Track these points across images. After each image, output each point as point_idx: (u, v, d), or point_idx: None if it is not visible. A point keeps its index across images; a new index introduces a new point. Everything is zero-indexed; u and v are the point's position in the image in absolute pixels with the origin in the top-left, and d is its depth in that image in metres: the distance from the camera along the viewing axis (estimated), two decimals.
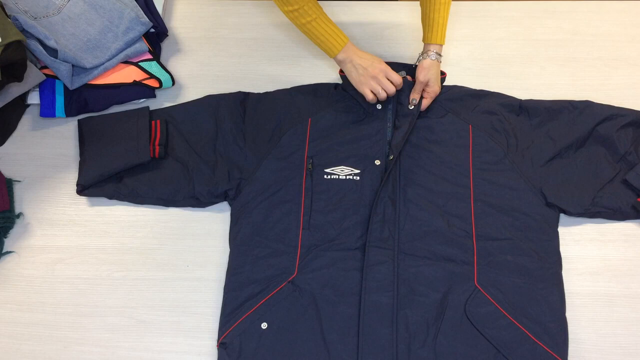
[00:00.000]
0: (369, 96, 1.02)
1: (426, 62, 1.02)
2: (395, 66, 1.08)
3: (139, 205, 1.06)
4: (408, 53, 1.19)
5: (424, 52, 1.03)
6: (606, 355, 0.91)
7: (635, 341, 0.92)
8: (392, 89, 1.02)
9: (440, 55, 1.02)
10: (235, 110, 1.09)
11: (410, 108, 1.03)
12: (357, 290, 0.92)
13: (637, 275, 0.96)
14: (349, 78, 1.04)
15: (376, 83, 1.01)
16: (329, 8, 1.24)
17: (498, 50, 1.19)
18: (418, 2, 1.25)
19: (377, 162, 1.01)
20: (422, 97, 1.04)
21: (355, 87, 1.04)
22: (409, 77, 1.07)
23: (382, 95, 1.02)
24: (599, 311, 0.94)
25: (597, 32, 1.20)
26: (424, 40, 1.03)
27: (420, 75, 1.02)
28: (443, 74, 1.07)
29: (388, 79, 1.02)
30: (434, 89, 1.03)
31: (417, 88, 1.03)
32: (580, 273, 0.97)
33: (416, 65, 1.04)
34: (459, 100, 1.07)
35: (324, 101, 1.08)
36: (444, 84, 1.09)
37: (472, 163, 1.01)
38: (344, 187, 1.00)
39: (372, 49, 1.19)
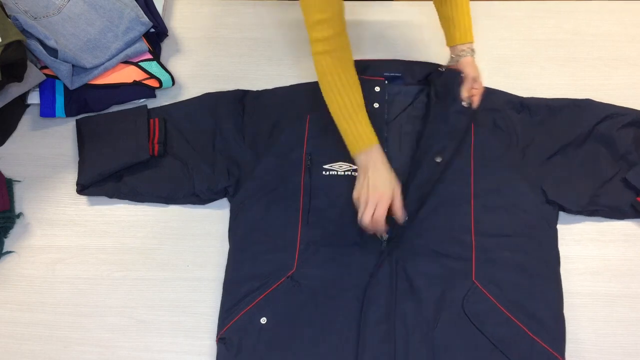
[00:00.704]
0: (361, 215, 0.89)
1: (469, 59, 0.98)
2: (420, 65, 1.07)
3: (140, 205, 1.06)
4: (408, 53, 1.19)
5: (460, 52, 0.98)
6: (606, 355, 0.91)
7: (635, 341, 0.92)
8: (382, 229, 0.89)
9: (474, 51, 0.99)
10: (234, 107, 1.09)
11: (465, 106, 0.98)
12: (355, 285, 0.92)
13: (637, 275, 0.96)
14: (357, 179, 0.92)
15: (375, 212, 0.88)
16: None
17: (498, 50, 1.19)
18: (418, 2, 1.26)
19: None
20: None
21: (354, 195, 0.92)
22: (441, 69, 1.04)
23: (375, 230, 0.91)
24: (599, 311, 0.94)
25: (597, 32, 1.20)
26: (450, 42, 1.00)
27: (470, 71, 0.97)
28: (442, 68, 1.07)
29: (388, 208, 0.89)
30: (481, 85, 1.00)
31: (468, 85, 0.98)
32: (581, 273, 0.97)
33: (444, 68, 1.02)
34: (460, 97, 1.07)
35: (322, 98, 1.08)
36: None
37: (473, 159, 1.01)
38: (343, 183, 1.00)
39: (372, 48, 1.19)
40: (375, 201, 0.87)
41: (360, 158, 0.90)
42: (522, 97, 1.07)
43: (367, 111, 0.94)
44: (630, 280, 0.96)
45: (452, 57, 1.01)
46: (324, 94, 0.91)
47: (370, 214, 0.87)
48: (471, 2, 1.24)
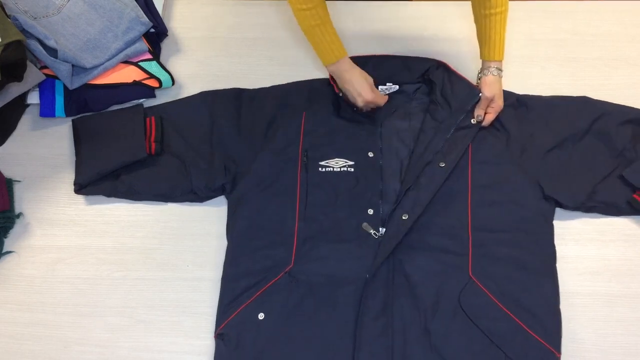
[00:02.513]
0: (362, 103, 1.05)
1: (489, 79, 1.01)
2: (418, 61, 1.09)
3: (139, 205, 1.06)
4: (408, 53, 1.18)
5: (484, 69, 1.02)
6: (606, 355, 0.91)
7: (635, 341, 0.92)
8: (381, 100, 1.06)
9: (500, 70, 1.02)
10: (230, 105, 1.10)
11: (473, 122, 1.02)
12: (353, 280, 0.93)
13: (637, 275, 0.97)
14: (342, 89, 1.06)
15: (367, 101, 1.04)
16: (328, 8, 1.24)
17: None
18: (418, 2, 1.26)
19: (370, 154, 1.02)
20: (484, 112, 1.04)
21: (356, 103, 1.05)
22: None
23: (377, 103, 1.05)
24: (599, 311, 0.94)
25: (597, 32, 1.20)
26: (481, 57, 1.03)
27: (486, 92, 1.01)
28: (442, 64, 1.08)
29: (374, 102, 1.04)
30: (499, 104, 1.03)
31: (483, 104, 1.02)
32: (580, 273, 0.97)
33: (478, 83, 1.05)
34: (455, 96, 1.07)
35: (318, 95, 1.09)
36: None
37: (471, 156, 1.01)
38: (339, 179, 1.01)
39: (372, 49, 1.19)
40: (366, 103, 1.03)
41: (330, 68, 1.03)
42: (518, 94, 1.07)
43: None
44: (630, 280, 0.96)
45: (478, 74, 1.05)
46: (299, 21, 0.99)
47: (366, 99, 1.02)
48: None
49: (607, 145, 1.01)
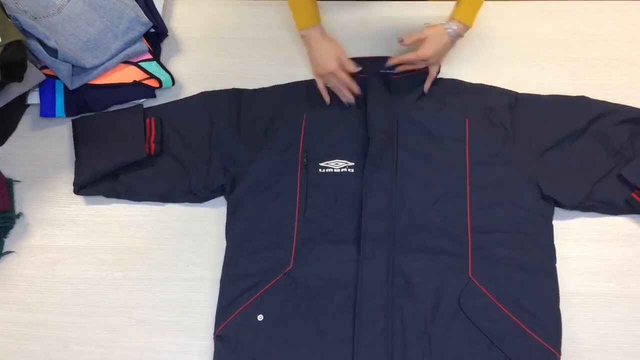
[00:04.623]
0: (324, 93, 1.06)
1: (431, 30, 0.98)
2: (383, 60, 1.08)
3: (139, 205, 1.06)
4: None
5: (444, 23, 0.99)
6: (606, 355, 0.91)
7: (635, 341, 0.92)
8: (341, 92, 1.04)
9: (459, 34, 0.97)
10: (230, 105, 1.10)
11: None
12: (352, 282, 0.92)
13: (637, 275, 0.97)
14: (308, 56, 1.06)
15: (332, 81, 1.04)
16: (329, 8, 1.24)
17: (498, 50, 1.19)
18: (418, 2, 1.26)
19: None
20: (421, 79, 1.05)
21: (313, 71, 1.06)
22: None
23: (349, 96, 1.04)
24: (599, 311, 0.94)
25: (597, 32, 1.20)
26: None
27: (424, 50, 0.98)
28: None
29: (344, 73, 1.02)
30: (430, 62, 1.01)
31: (408, 57, 1.00)
32: (580, 273, 0.97)
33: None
34: (455, 94, 1.07)
35: (318, 96, 1.09)
36: (439, 76, 1.09)
37: (468, 156, 1.01)
38: (339, 180, 1.00)
39: (372, 49, 1.19)
40: (331, 76, 1.02)
41: (302, 32, 1.03)
42: (516, 93, 1.07)
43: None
44: (630, 280, 0.96)
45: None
46: None
47: (343, 83, 1.02)
48: None
49: (605, 145, 1.01)
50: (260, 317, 0.91)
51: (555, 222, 0.99)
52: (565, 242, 0.99)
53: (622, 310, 0.94)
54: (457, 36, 0.99)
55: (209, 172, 1.04)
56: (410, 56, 1.01)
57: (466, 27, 0.99)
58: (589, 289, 0.96)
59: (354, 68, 1.03)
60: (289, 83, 1.13)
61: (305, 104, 1.08)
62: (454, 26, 0.99)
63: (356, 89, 1.04)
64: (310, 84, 1.11)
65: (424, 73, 1.07)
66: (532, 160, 1.00)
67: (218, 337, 0.91)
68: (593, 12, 1.22)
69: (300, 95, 1.10)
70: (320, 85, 1.06)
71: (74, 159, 1.10)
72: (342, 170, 1.01)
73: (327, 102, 1.06)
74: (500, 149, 1.01)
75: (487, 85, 1.09)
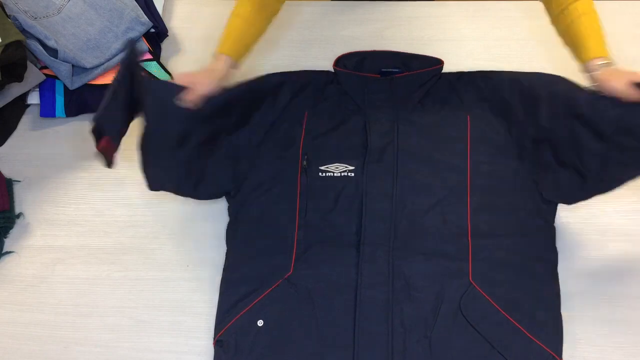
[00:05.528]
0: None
1: (608, 71, 0.85)
2: (420, 60, 1.06)
3: (139, 205, 1.06)
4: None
5: (594, 68, 0.87)
6: (606, 355, 0.91)
7: (635, 341, 0.92)
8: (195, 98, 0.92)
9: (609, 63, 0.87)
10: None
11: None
12: (352, 286, 0.92)
13: (637, 275, 0.97)
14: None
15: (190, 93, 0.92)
16: (329, 8, 1.24)
17: (498, 50, 1.19)
18: (418, 2, 1.26)
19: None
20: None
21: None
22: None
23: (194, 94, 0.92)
24: (599, 311, 0.94)
25: None
26: (580, 60, 0.91)
27: (618, 82, 0.83)
28: (440, 62, 1.05)
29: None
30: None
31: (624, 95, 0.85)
32: (580, 273, 0.97)
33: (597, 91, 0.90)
34: (456, 88, 1.06)
35: (319, 96, 1.08)
36: (442, 72, 1.08)
37: (469, 157, 1.00)
38: (339, 184, 1.00)
39: (372, 49, 1.19)
40: (192, 83, 0.92)
41: (214, 56, 0.98)
42: (521, 83, 1.00)
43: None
44: (630, 280, 0.96)
45: (590, 78, 0.90)
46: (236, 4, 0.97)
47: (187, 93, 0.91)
48: (471, 2, 1.25)
49: (592, 129, 0.91)
50: (260, 323, 0.91)
51: (555, 222, 0.99)
52: (566, 242, 0.99)
53: (622, 310, 0.94)
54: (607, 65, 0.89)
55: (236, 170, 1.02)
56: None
57: (605, 59, 0.89)
58: (589, 289, 0.96)
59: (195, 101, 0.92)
60: (307, 71, 1.09)
61: (311, 102, 1.07)
62: (602, 63, 0.88)
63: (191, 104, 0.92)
64: (313, 79, 1.09)
65: (426, 72, 1.05)
66: (530, 158, 0.98)
67: (218, 343, 0.91)
68: None
69: (307, 90, 1.08)
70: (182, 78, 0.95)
71: (74, 158, 1.11)
72: (342, 174, 1.01)
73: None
74: (502, 146, 1.00)
75: (487, 72, 1.06)
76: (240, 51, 0.99)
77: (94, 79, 1.13)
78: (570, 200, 0.97)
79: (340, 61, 1.08)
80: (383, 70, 1.06)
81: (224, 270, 0.97)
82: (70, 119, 1.15)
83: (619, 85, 0.83)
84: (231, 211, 1.02)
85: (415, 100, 1.05)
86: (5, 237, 1.04)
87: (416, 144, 1.02)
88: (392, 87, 1.05)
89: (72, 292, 1.00)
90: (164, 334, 0.96)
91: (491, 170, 0.99)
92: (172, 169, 0.97)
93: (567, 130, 0.93)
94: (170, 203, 1.06)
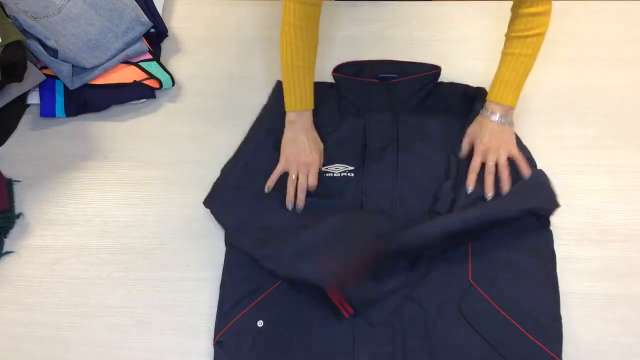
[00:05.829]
0: (274, 177, 0.99)
1: (474, 128, 0.98)
2: (413, 66, 1.08)
3: (139, 205, 1.06)
4: (408, 53, 1.19)
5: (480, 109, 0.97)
6: (606, 355, 0.91)
7: (635, 341, 0.92)
8: (300, 192, 0.98)
9: (504, 117, 0.94)
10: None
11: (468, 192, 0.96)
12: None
13: (637, 276, 0.96)
14: (284, 137, 1.01)
15: (296, 172, 0.98)
16: (328, 8, 1.24)
17: (498, 50, 1.18)
18: (418, 2, 1.26)
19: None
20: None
21: (281, 151, 1.01)
22: None
23: (291, 196, 0.98)
24: (599, 311, 0.94)
25: (597, 32, 1.20)
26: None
27: (466, 135, 0.97)
28: (437, 68, 1.08)
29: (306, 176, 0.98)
30: (494, 169, 0.96)
31: (474, 166, 0.96)
32: (580, 273, 0.97)
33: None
34: (455, 96, 1.07)
35: (319, 100, 1.08)
36: (439, 79, 1.09)
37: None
38: (339, 185, 1.00)
39: (372, 48, 1.19)
40: (303, 166, 0.98)
41: (291, 115, 0.99)
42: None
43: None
44: (630, 280, 0.96)
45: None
46: (280, 48, 0.95)
47: (295, 180, 0.98)
48: (471, 2, 1.25)
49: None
50: (260, 323, 0.91)
51: (555, 222, 0.99)
52: (566, 242, 0.99)
53: (622, 311, 0.94)
54: (503, 117, 0.95)
55: None
56: (474, 165, 0.97)
57: (508, 109, 0.95)
58: (589, 289, 0.96)
59: (315, 184, 0.99)
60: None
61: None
62: (490, 111, 0.96)
63: (302, 201, 0.98)
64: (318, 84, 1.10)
65: (424, 76, 1.07)
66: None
67: (218, 343, 0.91)
68: (593, 12, 1.22)
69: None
70: (280, 169, 1.00)
71: (74, 158, 1.11)
72: (342, 174, 1.01)
73: (289, 206, 0.98)
74: None
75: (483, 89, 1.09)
76: (312, 97, 1.00)
77: (94, 79, 1.14)
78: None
79: (340, 69, 1.09)
80: (381, 75, 1.07)
81: (224, 271, 0.97)
82: (70, 119, 1.15)
83: (466, 139, 0.98)
84: None
85: (414, 102, 1.06)
86: (5, 237, 1.04)
87: (416, 146, 1.02)
88: (390, 91, 1.06)
89: (72, 292, 1.00)
90: (164, 334, 0.96)
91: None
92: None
93: None
94: (170, 203, 1.06)
